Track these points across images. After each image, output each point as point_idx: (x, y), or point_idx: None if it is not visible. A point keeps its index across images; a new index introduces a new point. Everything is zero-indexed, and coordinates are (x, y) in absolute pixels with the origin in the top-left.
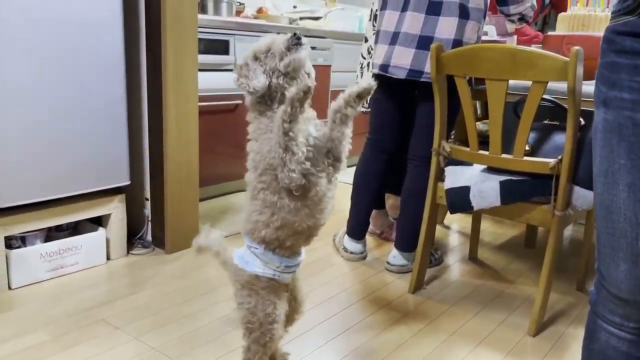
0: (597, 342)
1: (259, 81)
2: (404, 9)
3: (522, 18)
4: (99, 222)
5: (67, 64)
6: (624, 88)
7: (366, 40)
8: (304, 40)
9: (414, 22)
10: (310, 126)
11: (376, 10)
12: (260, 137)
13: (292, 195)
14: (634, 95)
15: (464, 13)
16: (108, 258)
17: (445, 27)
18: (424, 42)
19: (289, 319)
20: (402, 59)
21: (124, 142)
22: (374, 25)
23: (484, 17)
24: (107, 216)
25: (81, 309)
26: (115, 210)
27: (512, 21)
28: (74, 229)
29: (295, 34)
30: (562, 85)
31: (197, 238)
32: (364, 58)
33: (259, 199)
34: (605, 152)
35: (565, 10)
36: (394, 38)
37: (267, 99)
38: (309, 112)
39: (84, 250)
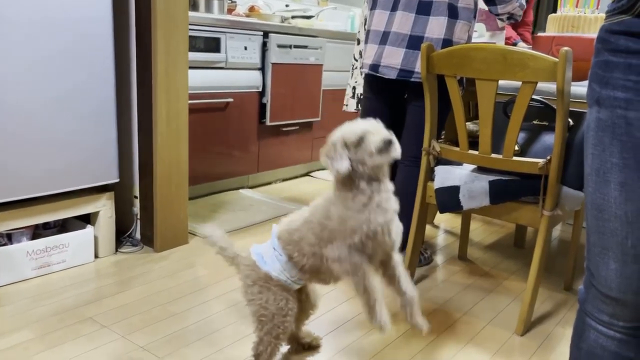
0: (585, 340)
1: (343, 165)
2: (394, 8)
3: (511, 17)
4: (87, 219)
5: (57, 61)
6: (618, 87)
7: (359, 43)
8: (394, 140)
9: (404, 22)
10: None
11: (366, 14)
12: (343, 205)
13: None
14: (628, 94)
15: (453, 13)
16: (96, 256)
17: (435, 27)
18: (414, 42)
19: (304, 313)
20: (393, 59)
21: (113, 139)
22: (365, 29)
23: (475, 17)
24: (96, 214)
25: (68, 307)
26: (104, 208)
27: (501, 20)
28: (62, 226)
29: (389, 139)
30: (552, 86)
31: (207, 229)
32: (356, 60)
33: (311, 233)
34: (597, 150)
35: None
36: (384, 38)
37: (348, 179)
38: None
39: (72, 248)
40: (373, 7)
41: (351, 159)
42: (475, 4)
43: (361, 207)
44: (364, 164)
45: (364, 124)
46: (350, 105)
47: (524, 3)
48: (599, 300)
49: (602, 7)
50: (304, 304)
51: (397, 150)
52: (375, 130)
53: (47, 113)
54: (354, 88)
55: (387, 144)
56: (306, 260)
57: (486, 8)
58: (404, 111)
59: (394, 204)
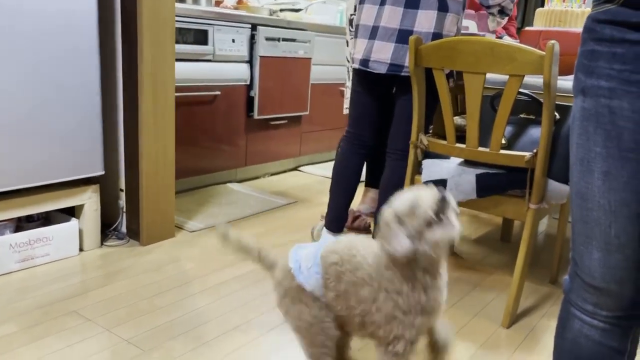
0: (569, 330)
1: (402, 245)
2: (382, 2)
3: (502, 11)
4: (72, 212)
5: (40, 52)
6: (602, 76)
7: (348, 45)
8: (450, 198)
9: (392, 16)
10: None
11: (350, 15)
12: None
13: None
14: (611, 83)
15: (442, 6)
16: (81, 249)
17: (425, 21)
18: (403, 36)
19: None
20: (382, 54)
21: (98, 131)
22: (350, 30)
23: (463, 9)
24: (80, 207)
25: (51, 300)
26: (89, 200)
27: (492, 14)
28: (46, 219)
29: (442, 196)
30: (538, 80)
31: (223, 229)
32: (349, 61)
33: (364, 291)
34: (582, 140)
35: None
36: (373, 32)
37: (407, 266)
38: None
39: (56, 241)
40: (362, 2)
41: (409, 236)
42: None
43: (411, 305)
44: (422, 239)
45: (415, 190)
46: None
47: None
48: (583, 289)
49: (588, 1)
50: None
51: (455, 207)
52: (426, 192)
53: (31, 104)
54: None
55: (442, 201)
56: (343, 310)
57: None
58: (393, 105)
59: (441, 302)
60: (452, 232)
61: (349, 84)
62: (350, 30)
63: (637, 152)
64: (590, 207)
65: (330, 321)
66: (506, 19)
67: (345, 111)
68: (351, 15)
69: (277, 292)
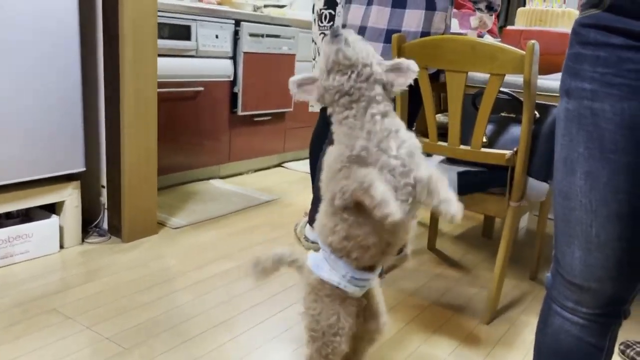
0: (550, 325)
1: (312, 96)
2: (369, 2)
3: (490, 7)
4: (52, 209)
5: (20, 46)
6: (586, 78)
7: (314, 42)
8: (342, 31)
9: (380, 16)
10: (392, 141)
11: (320, 10)
12: (338, 146)
13: (351, 210)
14: (594, 86)
15: (430, 4)
16: (61, 247)
17: (412, 20)
18: (391, 36)
19: (368, 337)
20: None
21: (79, 126)
22: (320, 25)
23: (452, 5)
24: (61, 203)
25: (31, 298)
26: (70, 197)
27: (480, 9)
28: (25, 216)
29: (332, 28)
30: (519, 79)
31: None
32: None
33: (326, 203)
34: (565, 140)
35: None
36: (361, 33)
37: (332, 104)
38: (393, 123)
39: (35, 239)
40: (348, 1)
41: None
42: None
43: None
44: (326, 74)
45: None
46: (316, 105)
47: None
48: (564, 287)
49: (569, 2)
50: (365, 326)
51: (348, 34)
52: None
53: (10, 100)
54: None
55: (332, 33)
56: (332, 225)
57: None
58: None
59: (393, 147)
60: (333, 47)
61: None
62: (319, 25)
63: (617, 153)
64: (572, 207)
65: (342, 337)
66: (493, 17)
67: (310, 108)
68: (321, 9)
69: (304, 290)
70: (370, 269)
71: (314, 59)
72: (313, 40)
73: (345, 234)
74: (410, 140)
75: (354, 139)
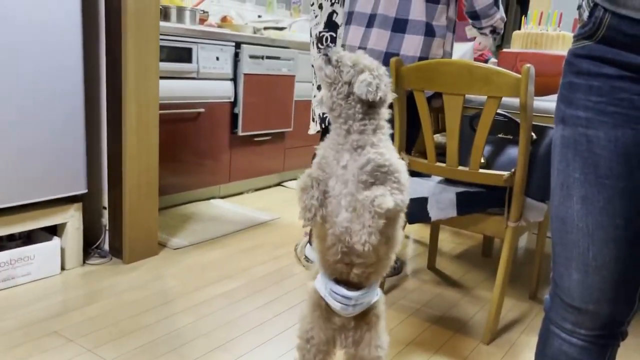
0: (549, 347)
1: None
2: (370, 24)
3: (494, 31)
4: (53, 231)
5: (23, 68)
6: (580, 106)
7: (313, 66)
8: (330, 51)
9: (379, 39)
10: (346, 153)
11: (319, 33)
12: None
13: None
14: (588, 114)
15: (429, 31)
16: (63, 268)
17: (411, 45)
18: (389, 60)
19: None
20: None
21: (81, 149)
22: (319, 48)
23: (452, 31)
24: (63, 225)
25: (33, 320)
26: (72, 219)
27: (484, 34)
28: (27, 238)
29: (323, 51)
30: (516, 101)
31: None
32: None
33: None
34: (562, 166)
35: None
36: None
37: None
38: (361, 139)
39: (37, 261)
40: (348, 22)
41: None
42: (452, 18)
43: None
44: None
45: None
46: (313, 128)
47: (505, 16)
48: (563, 309)
49: (563, 25)
50: (354, 353)
51: (335, 52)
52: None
53: (13, 122)
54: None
55: (323, 54)
56: (316, 227)
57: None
58: None
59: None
60: (322, 64)
61: (316, 102)
62: (319, 48)
63: (612, 178)
64: (569, 230)
65: (312, 346)
66: (496, 37)
67: (312, 131)
68: (321, 32)
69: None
70: (347, 284)
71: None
72: (312, 65)
73: (316, 233)
74: (374, 156)
75: (322, 149)
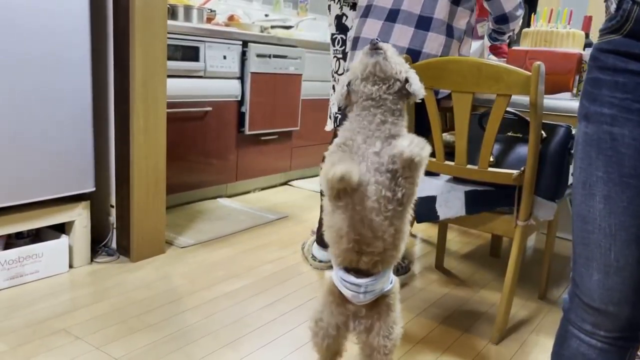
0: (567, 348)
1: (339, 92)
2: (390, 19)
3: (510, 36)
4: (61, 229)
5: (32, 68)
6: (605, 103)
7: (334, 77)
8: (382, 45)
9: (402, 35)
10: (379, 141)
11: (332, 35)
12: (336, 138)
13: (332, 198)
14: (613, 111)
15: (450, 32)
16: (70, 266)
17: (434, 43)
18: (411, 56)
19: (367, 353)
20: None
21: (89, 147)
22: (333, 50)
23: (470, 35)
24: (71, 223)
25: (41, 318)
26: (79, 217)
27: (503, 40)
28: (35, 236)
29: (372, 40)
30: (525, 99)
31: None
32: (334, 78)
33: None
34: (584, 164)
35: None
36: None
37: (352, 104)
38: (390, 128)
39: (45, 258)
40: (364, 15)
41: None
42: (472, 25)
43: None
44: (359, 81)
45: None
46: (328, 124)
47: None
48: (582, 309)
49: (573, 23)
50: (365, 340)
51: (386, 50)
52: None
53: (21, 120)
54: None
55: (372, 45)
56: (326, 218)
57: (494, 27)
58: None
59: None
60: (372, 60)
61: (333, 100)
62: (333, 49)
63: (636, 178)
64: (591, 230)
65: (321, 330)
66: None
67: (328, 128)
68: (333, 34)
69: None
70: (357, 272)
71: (336, 73)
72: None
73: (326, 224)
74: (404, 149)
75: (349, 131)
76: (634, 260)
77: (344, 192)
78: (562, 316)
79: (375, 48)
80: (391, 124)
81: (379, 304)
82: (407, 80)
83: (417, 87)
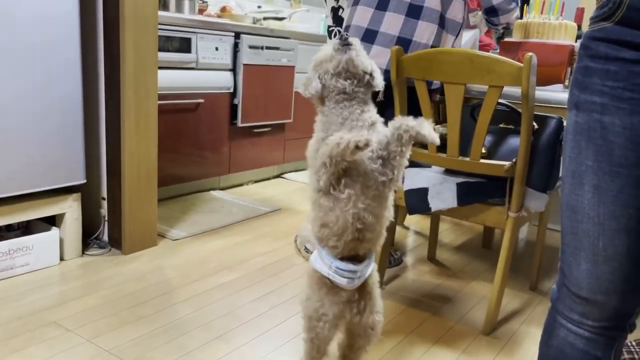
0: (555, 338)
1: (313, 87)
2: (381, 7)
3: (507, 27)
4: (52, 221)
5: (21, 59)
6: (595, 92)
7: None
8: (352, 41)
9: (393, 23)
10: (364, 130)
11: (329, 27)
12: (315, 134)
13: (326, 195)
14: (604, 99)
15: (442, 23)
16: (61, 259)
17: (425, 31)
18: (401, 44)
19: (361, 333)
20: (380, 59)
21: (80, 139)
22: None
23: (459, 30)
24: (61, 215)
25: (31, 311)
26: (70, 209)
27: (497, 30)
28: (26, 228)
29: (342, 36)
30: (517, 90)
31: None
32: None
33: (311, 193)
34: (574, 153)
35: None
36: (370, 36)
37: (323, 99)
38: (370, 116)
39: (36, 251)
40: (355, 3)
41: (320, 78)
42: (462, 19)
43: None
44: (330, 75)
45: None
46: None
47: (519, 14)
48: (570, 299)
49: (565, 14)
50: (358, 321)
51: (356, 47)
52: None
53: (10, 112)
54: None
55: (343, 41)
56: (314, 214)
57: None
58: (381, 114)
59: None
60: (345, 57)
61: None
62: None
63: (626, 167)
64: (579, 219)
65: (325, 323)
66: (504, 32)
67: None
68: (330, 26)
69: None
70: (353, 259)
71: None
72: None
73: (321, 222)
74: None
75: (329, 124)
76: (623, 250)
77: (347, 178)
78: (550, 306)
79: (345, 44)
80: (368, 113)
81: (367, 284)
82: (371, 74)
83: (380, 80)
